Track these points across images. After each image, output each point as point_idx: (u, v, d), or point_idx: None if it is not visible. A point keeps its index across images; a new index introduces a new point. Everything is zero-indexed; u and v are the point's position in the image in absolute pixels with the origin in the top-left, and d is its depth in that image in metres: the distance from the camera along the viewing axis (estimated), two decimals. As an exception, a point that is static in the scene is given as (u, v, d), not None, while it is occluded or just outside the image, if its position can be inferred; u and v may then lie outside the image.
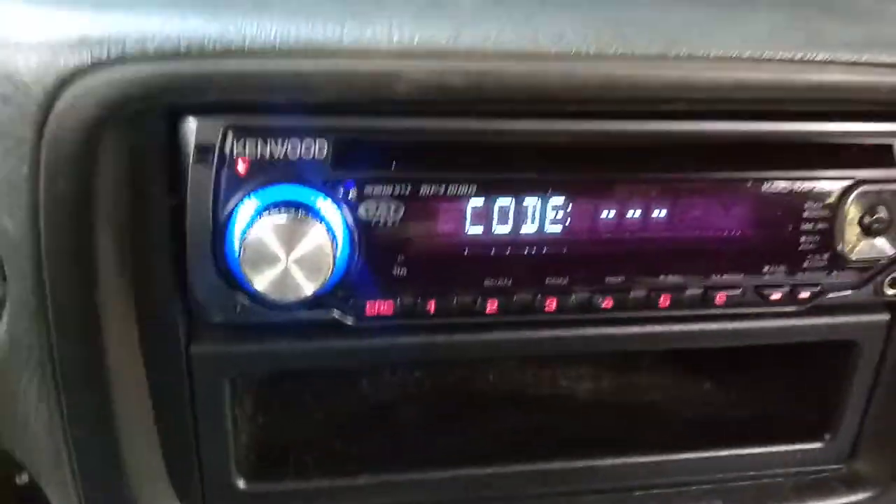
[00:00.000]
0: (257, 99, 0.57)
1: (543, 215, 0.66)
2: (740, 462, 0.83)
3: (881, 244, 0.71)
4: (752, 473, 0.84)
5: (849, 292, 0.73)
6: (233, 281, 0.61)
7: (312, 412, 0.83)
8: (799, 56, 0.63)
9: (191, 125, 0.59)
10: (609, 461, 0.79)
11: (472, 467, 0.78)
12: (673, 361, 0.93)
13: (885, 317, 0.78)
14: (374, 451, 0.80)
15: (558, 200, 0.66)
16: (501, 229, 0.66)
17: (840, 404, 0.83)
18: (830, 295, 0.73)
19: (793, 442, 0.84)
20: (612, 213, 0.67)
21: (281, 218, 0.59)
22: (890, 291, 0.75)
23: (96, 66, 0.54)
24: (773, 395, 0.89)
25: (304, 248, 0.59)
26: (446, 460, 0.78)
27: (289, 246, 0.59)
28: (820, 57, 0.63)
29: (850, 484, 0.85)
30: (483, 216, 0.65)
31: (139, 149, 0.59)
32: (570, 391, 0.90)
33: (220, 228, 0.60)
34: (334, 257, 0.60)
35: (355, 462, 0.77)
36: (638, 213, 0.67)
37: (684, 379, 0.92)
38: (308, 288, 0.60)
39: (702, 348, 0.78)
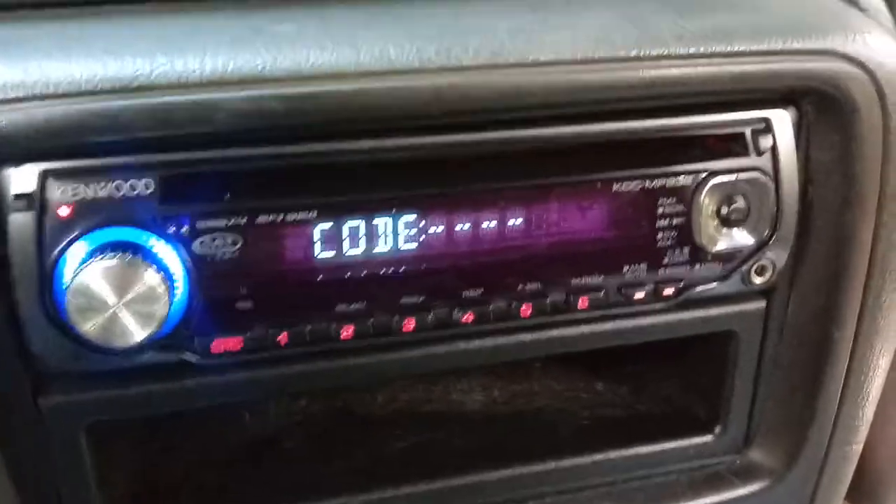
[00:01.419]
0: (71, 142, 0.55)
1: (395, 234, 0.65)
2: (632, 462, 0.82)
3: (740, 235, 0.71)
4: (644, 472, 0.83)
5: (714, 284, 0.73)
6: (66, 330, 0.59)
7: (189, 451, 0.81)
8: (632, 53, 0.62)
9: (6, 174, 0.57)
10: (496, 474, 0.78)
11: (360, 493, 0.76)
12: (560, 366, 0.93)
13: (760, 304, 0.78)
14: (259, 485, 0.77)
15: (409, 218, 0.65)
16: (350, 252, 0.64)
17: (727, 395, 0.82)
18: (698, 289, 0.72)
19: (684, 437, 0.84)
20: (466, 225, 0.66)
21: (109, 261, 0.57)
22: (758, 280, 0.74)
23: None
24: (661, 392, 0.89)
25: (135, 291, 0.57)
26: (333, 487, 0.77)
27: (119, 290, 0.57)
28: (654, 52, 0.63)
29: (744, 475, 0.84)
30: (328, 240, 0.63)
31: None
32: (458, 404, 0.89)
33: (47, 277, 0.58)
34: (170, 297, 0.59)
35: (239, 499, 0.75)
36: (491, 223, 0.67)
37: (572, 382, 0.91)
38: (142, 333, 0.58)
39: (589, 350, 0.77)
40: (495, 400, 0.90)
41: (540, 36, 0.62)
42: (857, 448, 0.86)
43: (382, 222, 0.64)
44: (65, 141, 0.55)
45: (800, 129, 0.71)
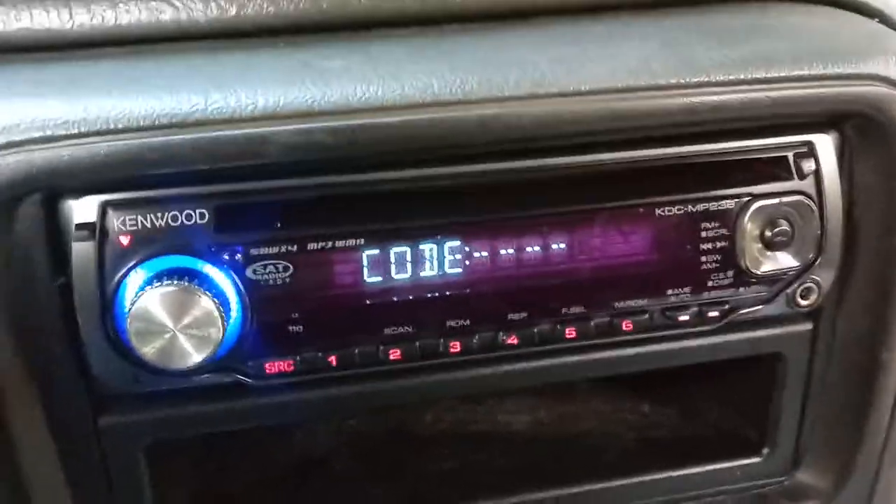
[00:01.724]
0: (130, 175, 0.58)
1: (441, 259, 0.67)
2: (681, 483, 0.83)
3: (784, 257, 0.71)
4: (693, 493, 0.83)
5: (760, 307, 0.73)
6: (126, 353, 0.61)
7: (244, 471, 0.83)
8: (672, 81, 0.63)
9: (69, 205, 0.60)
10: (541, 494, 0.79)
11: None
12: (608, 387, 0.93)
13: (807, 326, 0.78)
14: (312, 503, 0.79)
15: (454, 243, 0.67)
16: (398, 277, 0.66)
17: (775, 417, 0.82)
18: (742, 311, 0.73)
19: (732, 459, 0.84)
20: (510, 250, 0.68)
21: (167, 288, 0.60)
22: (803, 302, 0.75)
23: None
24: (710, 414, 0.89)
25: (191, 315, 0.60)
26: None
27: (176, 315, 0.60)
28: (694, 80, 0.64)
29: (793, 496, 0.84)
30: (377, 266, 0.65)
31: (20, 235, 0.59)
32: (504, 425, 0.90)
33: (108, 303, 0.61)
34: (225, 322, 0.61)
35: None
36: (536, 248, 0.68)
37: (620, 404, 0.92)
38: (198, 355, 0.60)
39: (635, 372, 0.78)
40: (541, 421, 0.91)
41: (580, 66, 0.63)
42: (908, 470, 0.86)
43: (428, 248, 0.66)
44: (124, 174, 0.58)
45: (843, 152, 0.72)
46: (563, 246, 0.68)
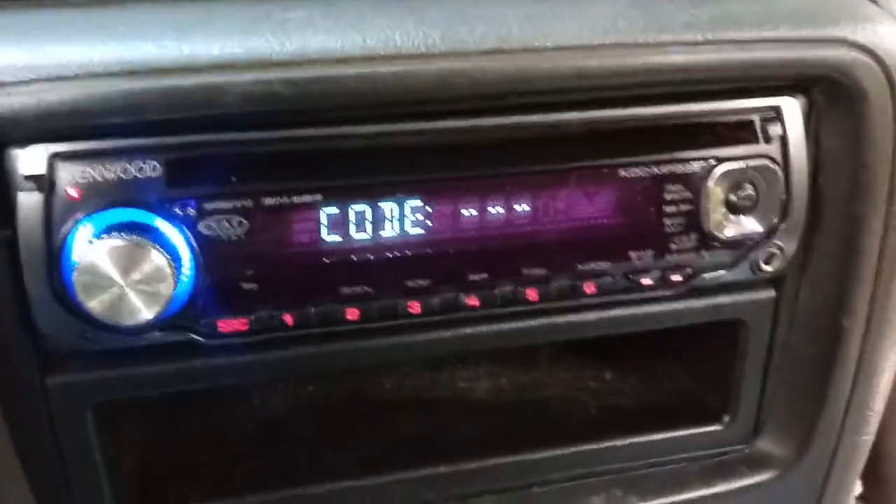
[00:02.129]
0: (80, 124, 0.56)
1: (401, 218, 0.65)
2: (641, 450, 0.82)
3: (749, 222, 0.71)
4: (653, 461, 0.83)
5: (723, 272, 0.73)
6: (73, 309, 0.59)
7: (198, 434, 0.81)
8: (640, 40, 0.62)
9: (16, 155, 0.57)
10: (502, 459, 0.78)
11: (369, 476, 0.77)
12: (570, 353, 0.93)
13: (770, 293, 0.78)
14: (266, 468, 0.78)
15: (415, 203, 0.65)
16: (356, 236, 0.64)
17: (736, 384, 0.82)
18: (706, 276, 0.72)
19: (693, 426, 0.84)
20: (471, 210, 0.66)
21: (116, 241, 0.58)
22: (767, 268, 0.74)
23: None
24: (671, 381, 0.89)
25: (141, 271, 0.58)
26: (342, 471, 0.77)
27: (125, 270, 0.58)
28: (662, 39, 0.63)
29: (754, 464, 0.84)
30: (335, 224, 0.64)
31: None
32: (465, 392, 0.89)
33: (55, 257, 0.59)
34: (176, 278, 0.59)
35: (246, 481, 0.76)
36: (498, 208, 0.67)
37: (583, 371, 0.91)
38: (148, 312, 0.59)
39: (597, 338, 0.77)
40: (503, 388, 0.90)
41: (547, 22, 0.62)
42: (868, 439, 0.86)
43: (388, 207, 0.65)
44: (74, 123, 0.56)
45: (809, 116, 0.71)
46: (525, 206, 0.67)
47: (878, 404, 0.85)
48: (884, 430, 0.88)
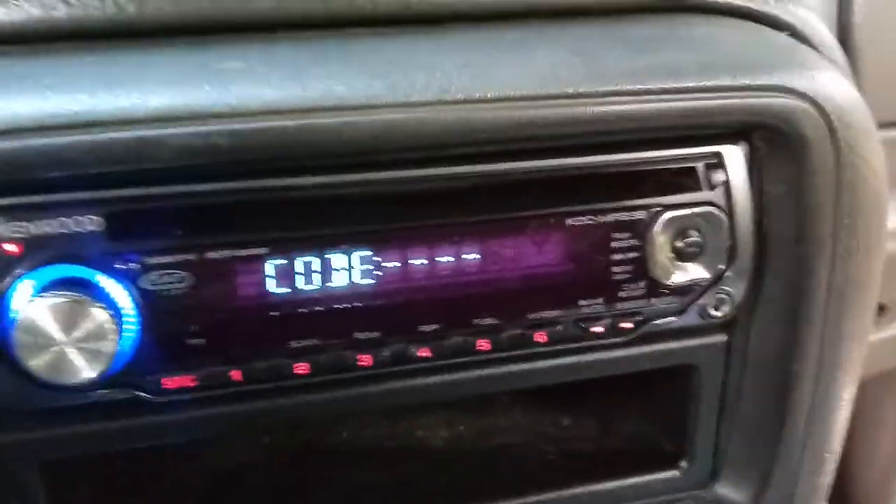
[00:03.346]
0: (16, 178, 0.56)
1: (350, 269, 0.65)
2: (599, 498, 0.82)
3: (696, 268, 0.71)
4: None
5: (673, 318, 0.73)
6: (14, 367, 0.59)
7: (151, 491, 0.80)
8: (580, 90, 0.63)
9: None
10: None
11: None
12: (528, 399, 0.93)
13: (721, 338, 0.78)
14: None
15: (363, 253, 0.65)
16: (304, 288, 0.64)
17: (691, 429, 0.82)
18: (656, 322, 0.73)
19: (650, 472, 0.84)
20: (420, 260, 0.66)
21: (57, 298, 0.57)
22: (716, 313, 0.75)
23: None
24: (627, 426, 0.89)
25: (83, 328, 0.58)
26: None
27: (66, 328, 0.57)
28: (602, 89, 0.63)
29: (712, 509, 0.84)
30: (282, 276, 0.63)
31: None
32: (424, 440, 0.88)
33: None
34: (120, 334, 0.59)
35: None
36: (447, 258, 0.67)
37: (540, 417, 0.91)
38: (91, 370, 0.58)
39: (550, 385, 0.77)
40: (461, 436, 0.89)
41: (488, 72, 0.62)
42: (826, 479, 0.86)
43: (335, 258, 0.65)
44: (9, 177, 0.55)
45: (752, 163, 0.72)
46: (474, 256, 0.67)
47: (835, 444, 0.85)
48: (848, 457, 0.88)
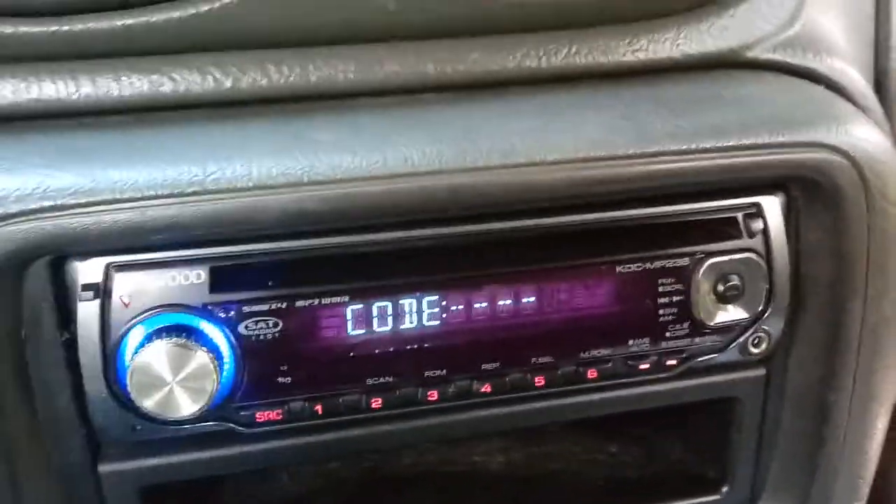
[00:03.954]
0: (134, 243, 0.63)
1: (419, 314, 0.72)
2: None
3: (735, 310, 0.77)
4: None
5: (714, 355, 0.79)
6: (126, 404, 0.66)
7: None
8: (630, 151, 0.69)
9: (75, 267, 0.65)
10: None
11: None
12: (577, 430, 0.98)
13: (760, 372, 0.84)
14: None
15: (432, 299, 0.72)
16: (380, 330, 0.71)
17: (732, 457, 0.88)
18: (698, 359, 0.79)
19: (694, 496, 0.89)
20: (483, 305, 0.73)
21: (166, 343, 0.64)
22: (755, 350, 0.80)
23: (-22, 226, 0.60)
24: (673, 453, 0.94)
25: (188, 369, 0.65)
26: None
27: (174, 369, 0.65)
28: (649, 150, 0.70)
29: (752, 532, 0.89)
30: (360, 320, 0.70)
31: (29, 293, 0.64)
32: (479, 466, 0.94)
33: (110, 358, 0.65)
34: (219, 374, 0.66)
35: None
36: (507, 302, 0.73)
37: (589, 445, 0.97)
38: (194, 406, 0.65)
39: (600, 416, 0.83)
40: (515, 462, 0.95)
41: (545, 137, 0.69)
42: (860, 504, 0.91)
43: (407, 303, 0.72)
44: (127, 242, 0.63)
45: (789, 211, 0.78)
46: (532, 300, 0.74)
47: (869, 472, 0.90)
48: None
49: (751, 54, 0.81)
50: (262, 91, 0.70)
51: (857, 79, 0.85)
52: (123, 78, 0.69)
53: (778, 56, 0.81)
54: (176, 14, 0.68)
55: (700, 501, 0.89)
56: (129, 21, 0.68)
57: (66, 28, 0.67)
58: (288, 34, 0.71)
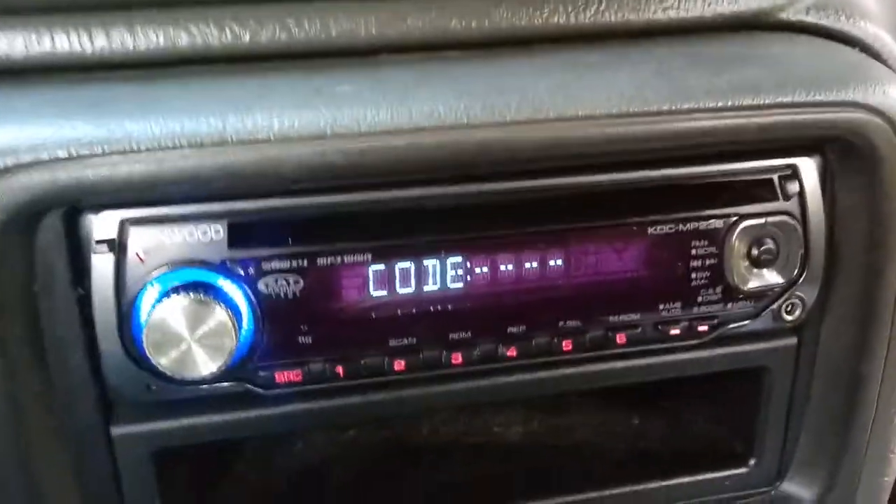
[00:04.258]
0: (151, 193, 0.61)
1: (444, 275, 0.70)
2: (670, 492, 0.86)
3: (770, 274, 0.75)
4: (682, 503, 0.86)
5: (747, 322, 0.77)
6: (141, 363, 0.64)
7: (247, 478, 0.85)
8: (664, 108, 0.67)
9: (90, 220, 0.63)
10: (539, 503, 0.81)
11: None
12: (600, 399, 0.96)
13: (791, 341, 0.82)
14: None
15: (456, 259, 0.70)
16: (402, 291, 0.69)
17: (761, 429, 0.86)
18: (730, 326, 0.76)
19: (719, 469, 0.87)
20: (509, 266, 0.71)
21: (183, 300, 0.62)
22: (788, 317, 0.78)
23: (-8, 176, 0.58)
24: (699, 425, 0.92)
25: (206, 327, 0.63)
26: None
27: (191, 326, 0.63)
28: (684, 106, 0.67)
29: (779, 506, 0.87)
30: (382, 280, 0.68)
31: (42, 246, 0.62)
32: (499, 436, 0.92)
33: (125, 314, 0.63)
34: (238, 333, 0.64)
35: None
36: (534, 264, 0.71)
37: (613, 416, 0.95)
38: (212, 365, 0.63)
39: (627, 384, 0.81)
40: (536, 433, 0.93)
41: (577, 92, 0.66)
42: (890, 480, 0.89)
43: (431, 263, 0.69)
44: (144, 192, 0.61)
45: (825, 174, 0.75)
46: (559, 262, 0.71)
47: (899, 446, 0.88)
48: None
49: (783, 16, 0.79)
50: (281, 46, 0.68)
51: (890, 43, 0.82)
52: (139, 31, 0.67)
53: (811, 18, 0.79)
54: (193, -35, 0.66)
55: (726, 474, 0.87)
56: (146, -29, 0.65)
57: (80, -22, 0.65)
58: (309, -14, 0.69)
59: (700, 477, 0.86)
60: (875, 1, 0.83)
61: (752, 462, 0.87)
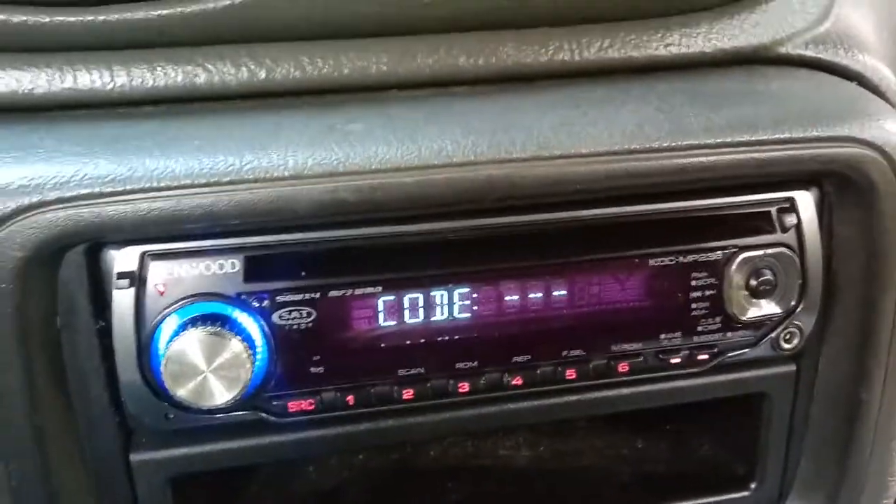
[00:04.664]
0: (170, 231, 0.63)
1: (451, 306, 0.72)
2: None
3: (768, 305, 0.77)
4: None
5: (746, 350, 0.78)
6: (160, 393, 0.66)
7: (260, 501, 0.87)
8: (665, 144, 0.69)
9: (111, 255, 0.65)
10: None
11: None
12: (605, 425, 0.98)
13: (790, 368, 0.83)
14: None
15: (463, 290, 0.72)
16: (411, 322, 0.71)
17: (761, 453, 0.87)
18: (730, 354, 0.78)
19: (722, 492, 0.89)
20: (515, 297, 0.73)
21: (200, 332, 0.65)
22: (787, 346, 0.80)
23: (17, 213, 0.60)
24: (701, 449, 0.94)
25: (222, 358, 0.65)
26: None
27: (208, 358, 0.65)
28: (684, 143, 0.69)
29: (780, 530, 0.89)
30: (392, 312, 0.70)
31: (64, 280, 0.64)
32: (506, 460, 0.94)
33: (144, 346, 0.66)
34: (253, 363, 0.66)
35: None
36: (538, 295, 0.73)
37: (617, 440, 0.96)
38: (228, 395, 0.65)
39: (630, 410, 0.83)
40: (541, 457, 0.95)
41: (580, 129, 0.68)
42: (889, 503, 0.90)
43: (439, 295, 0.71)
44: (163, 230, 0.63)
45: (822, 206, 0.77)
46: (563, 293, 0.74)
47: (899, 468, 0.89)
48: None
49: (783, 50, 0.81)
50: (295, 83, 0.70)
51: (889, 75, 0.84)
52: (158, 68, 0.69)
53: (810, 52, 0.81)
54: (210, 5, 0.68)
55: (728, 498, 0.88)
56: (164, 11, 0.68)
57: (101, 18, 0.68)
58: (321, 26, 0.72)
59: (703, 500, 0.88)
60: (874, 33, 0.85)
61: (753, 486, 0.89)
